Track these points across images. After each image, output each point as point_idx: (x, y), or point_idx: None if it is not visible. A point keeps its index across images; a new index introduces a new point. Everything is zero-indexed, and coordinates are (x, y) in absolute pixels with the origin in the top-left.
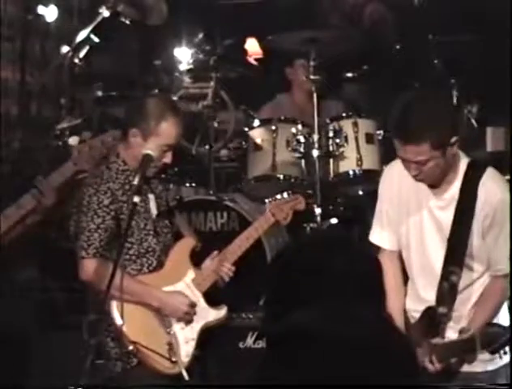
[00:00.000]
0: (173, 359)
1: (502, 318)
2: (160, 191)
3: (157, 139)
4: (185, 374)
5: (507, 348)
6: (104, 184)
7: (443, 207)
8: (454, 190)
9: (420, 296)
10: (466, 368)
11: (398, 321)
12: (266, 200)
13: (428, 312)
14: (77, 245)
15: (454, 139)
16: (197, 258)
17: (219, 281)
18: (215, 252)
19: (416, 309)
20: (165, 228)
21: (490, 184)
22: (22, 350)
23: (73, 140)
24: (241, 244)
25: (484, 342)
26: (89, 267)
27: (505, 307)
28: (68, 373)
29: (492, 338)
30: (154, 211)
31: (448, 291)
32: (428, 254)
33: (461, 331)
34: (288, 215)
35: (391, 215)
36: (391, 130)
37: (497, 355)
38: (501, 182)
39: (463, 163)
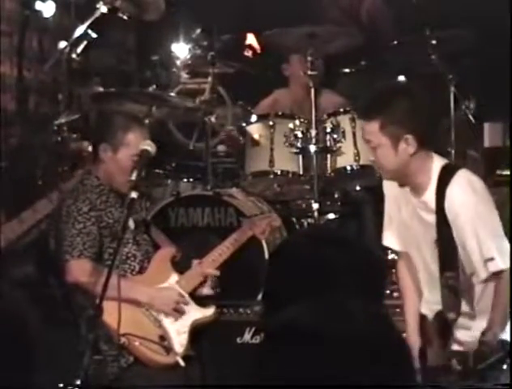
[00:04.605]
0: (166, 345)
1: None
2: (137, 204)
3: (127, 150)
4: (180, 361)
5: None
6: (81, 194)
7: (425, 209)
8: (430, 194)
9: (426, 297)
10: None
11: (411, 325)
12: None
13: (440, 316)
14: (61, 253)
15: (408, 136)
16: (196, 253)
17: (212, 286)
18: (196, 261)
19: (435, 301)
20: (144, 240)
21: (455, 188)
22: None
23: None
24: (221, 252)
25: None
26: (75, 268)
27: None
28: (66, 369)
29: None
30: (131, 223)
31: (451, 296)
32: (423, 255)
33: (483, 333)
34: (265, 231)
35: (392, 215)
36: None
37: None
38: (467, 186)
39: (437, 166)
